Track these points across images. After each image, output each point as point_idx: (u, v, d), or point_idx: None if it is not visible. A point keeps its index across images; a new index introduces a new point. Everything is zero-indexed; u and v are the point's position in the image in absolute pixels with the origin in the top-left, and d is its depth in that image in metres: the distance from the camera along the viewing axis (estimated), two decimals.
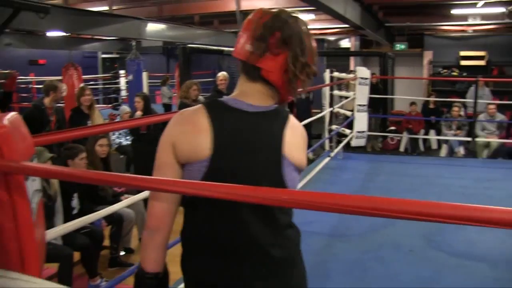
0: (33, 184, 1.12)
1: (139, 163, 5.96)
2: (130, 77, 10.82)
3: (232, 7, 10.63)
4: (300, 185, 5.76)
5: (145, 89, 10.31)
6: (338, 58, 15.19)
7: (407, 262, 3.82)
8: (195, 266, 1.42)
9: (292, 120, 1.42)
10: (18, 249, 1.07)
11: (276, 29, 1.33)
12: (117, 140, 9.27)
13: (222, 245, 1.37)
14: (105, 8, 9.69)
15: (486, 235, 4.34)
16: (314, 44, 1.41)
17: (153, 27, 10.30)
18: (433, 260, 3.83)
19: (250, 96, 1.38)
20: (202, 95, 6.79)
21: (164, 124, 1.52)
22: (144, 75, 11.03)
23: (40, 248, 1.15)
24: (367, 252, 3.96)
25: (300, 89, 1.40)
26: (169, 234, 1.41)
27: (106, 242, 4.29)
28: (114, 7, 9.82)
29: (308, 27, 1.42)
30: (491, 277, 3.57)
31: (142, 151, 5.79)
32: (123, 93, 14.38)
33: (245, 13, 10.92)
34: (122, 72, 14.43)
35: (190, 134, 1.34)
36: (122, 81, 14.52)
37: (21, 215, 1.08)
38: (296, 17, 1.39)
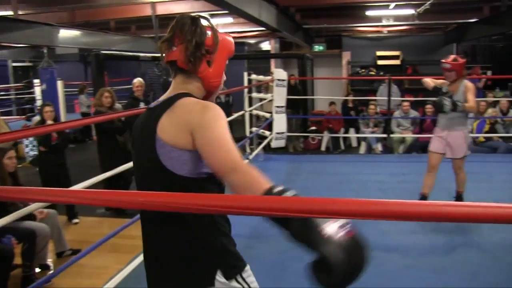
0: None
1: (47, 173, 5.70)
2: (44, 86, 10.35)
3: (148, 11, 10.44)
4: None
5: (61, 99, 9.89)
6: (260, 61, 15.33)
7: None
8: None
9: (177, 103, 1.54)
10: None
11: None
12: (31, 153, 8.86)
13: None
14: (9, 12, 9.18)
15: (397, 226, 4.49)
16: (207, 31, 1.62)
17: (66, 34, 9.90)
18: None
19: (166, 93, 1.66)
20: (119, 103, 6.61)
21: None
22: (59, 83, 10.56)
23: None
24: (285, 252, 3.97)
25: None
26: None
27: (18, 261, 4.06)
28: (20, 12, 9.34)
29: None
30: (402, 264, 3.68)
31: (51, 161, 5.56)
32: (39, 103, 13.75)
33: (162, 17, 10.78)
34: (36, 81, 13.80)
35: None
36: (37, 91, 13.87)
37: None
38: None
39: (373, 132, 9.12)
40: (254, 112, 7.32)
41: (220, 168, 1.42)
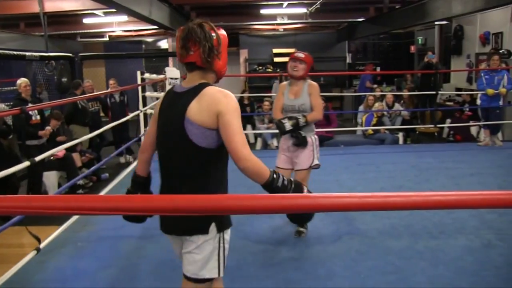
0: None
1: None
2: None
3: (36, 8, 9.95)
4: (109, 189, 5.65)
5: None
6: (159, 60, 15.16)
7: None
8: None
9: (204, 92, 2.05)
10: None
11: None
12: None
13: None
14: None
15: (286, 219, 4.66)
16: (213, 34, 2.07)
17: None
18: (240, 249, 3.98)
19: (186, 82, 2.16)
20: (6, 104, 6.29)
21: None
22: None
23: None
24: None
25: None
26: (151, 156, 2.36)
27: None
28: None
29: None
30: (291, 257, 3.84)
31: None
32: None
33: (50, 15, 10.34)
34: None
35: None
36: None
37: None
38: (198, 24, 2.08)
39: (268, 128, 9.36)
40: (149, 111, 7.24)
41: (236, 153, 1.96)
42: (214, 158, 2.09)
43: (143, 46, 16.00)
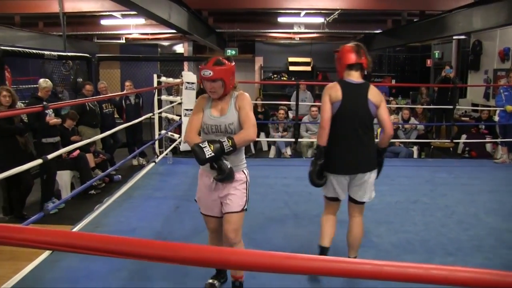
0: None
1: None
2: None
3: (55, 8, 10.03)
4: (122, 191, 5.64)
5: None
6: (173, 64, 15.19)
7: None
8: None
9: (371, 86, 3.37)
10: None
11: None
12: None
13: None
14: None
15: (302, 229, 4.61)
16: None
17: None
18: None
19: (352, 77, 3.35)
20: (22, 102, 6.30)
21: None
22: None
23: None
24: None
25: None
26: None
27: None
28: None
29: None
30: None
31: None
32: None
33: (70, 15, 10.41)
34: None
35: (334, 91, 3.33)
36: None
37: None
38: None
39: (282, 137, 9.32)
40: (164, 115, 7.24)
41: (386, 122, 3.39)
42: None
43: (159, 49, 16.04)
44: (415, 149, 9.17)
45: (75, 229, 4.38)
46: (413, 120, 9.49)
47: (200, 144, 2.88)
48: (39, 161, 3.83)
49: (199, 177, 3.22)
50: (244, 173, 3.15)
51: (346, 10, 10.53)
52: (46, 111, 6.21)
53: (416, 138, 9.29)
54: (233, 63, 3.00)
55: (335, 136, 3.34)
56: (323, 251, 3.66)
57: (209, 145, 2.87)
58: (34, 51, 7.27)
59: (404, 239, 4.42)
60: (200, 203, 3.24)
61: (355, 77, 3.33)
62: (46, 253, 3.72)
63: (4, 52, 6.20)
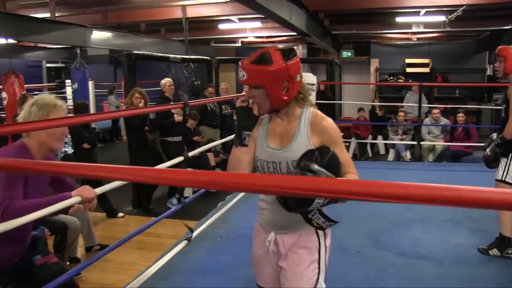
0: None
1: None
2: (75, 86, 10.54)
3: (178, 14, 10.53)
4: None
5: (91, 98, 10.09)
6: None
7: (354, 262, 3.82)
8: None
9: None
10: None
11: None
12: (62, 149, 8.99)
13: None
14: (47, 14, 9.40)
15: (430, 234, 4.42)
16: None
17: (98, 35, 10.06)
18: (380, 260, 3.85)
19: None
20: (150, 104, 6.66)
21: None
22: (90, 84, 10.80)
23: None
24: None
25: None
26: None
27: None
28: (57, 14, 9.55)
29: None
30: (436, 274, 3.61)
31: (87, 159, 5.69)
32: (70, 102, 14.02)
33: (191, 20, 10.86)
34: (68, 81, 14.08)
35: None
36: (68, 91, 14.17)
37: None
38: None
39: (401, 140, 9.02)
40: None
41: None
42: None
43: None
44: None
45: (204, 224, 4.56)
46: None
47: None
48: (181, 158, 4.07)
49: (254, 232, 2.24)
50: (318, 235, 2.07)
51: (472, 6, 9.92)
52: (173, 111, 6.53)
53: None
54: (293, 60, 1.92)
55: None
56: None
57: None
58: (161, 54, 7.68)
59: None
60: (255, 270, 2.27)
61: None
62: (184, 243, 3.91)
63: (137, 56, 6.60)
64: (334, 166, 1.78)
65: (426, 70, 14.60)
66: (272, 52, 1.90)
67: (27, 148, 2.42)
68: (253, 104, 2.00)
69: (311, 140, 1.94)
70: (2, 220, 2.06)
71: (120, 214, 6.09)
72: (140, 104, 5.88)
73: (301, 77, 1.97)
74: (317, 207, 1.75)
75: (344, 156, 1.94)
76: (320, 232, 2.06)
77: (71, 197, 2.39)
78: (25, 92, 8.42)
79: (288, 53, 1.93)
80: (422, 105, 8.41)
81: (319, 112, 2.03)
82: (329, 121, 2.00)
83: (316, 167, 1.72)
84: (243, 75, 1.90)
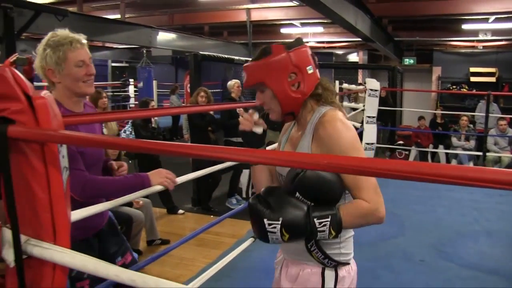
0: (62, 161, 1.12)
1: (145, 168, 5.96)
2: (141, 84, 10.88)
3: (242, 17, 10.70)
4: None
5: (155, 97, 10.36)
6: (346, 71, 15.15)
7: (417, 271, 3.79)
8: None
9: None
10: (51, 221, 1.07)
11: None
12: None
13: None
14: (118, 16, 9.78)
15: (497, 249, 4.31)
16: None
17: (163, 36, 10.36)
18: (445, 271, 3.79)
19: None
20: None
21: None
22: (154, 83, 11.11)
23: (69, 221, 1.15)
24: (377, 260, 3.93)
25: None
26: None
27: None
28: (126, 15, 9.91)
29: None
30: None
31: (149, 156, 5.83)
32: (132, 100, 14.47)
33: (254, 24, 11.00)
34: (131, 80, 14.55)
35: None
36: (131, 89, 14.63)
37: (55, 187, 1.06)
38: None
39: (464, 149, 8.78)
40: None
41: None
42: None
43: (333, 58, 16.18)
44: None
45: None
46: None
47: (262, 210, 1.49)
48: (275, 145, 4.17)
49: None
50: (323, 276, 1.65)
51: None
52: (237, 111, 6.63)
53: None
54: (298, 48, 1.63)
55: None
56: None
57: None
58: (226, 56, 7.83)
59: None
60: None
61: None
62: (250, 241, 3.98)
63: (202, 57, 6.75)
64: (313, 189, 1.43)
65: (492, 79, 14.09)
66: (273, 45, 1.61)
67: (58, 102, 1.97)
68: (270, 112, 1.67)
69: (312, 150, 1.57)
70: (83, 194, 1.96)
71: (180, 211, 6.22)
72: (203, 104, 6.03)
73: (314, 69, 1.63)
74: (315, 238, 1.46)
75: (353, 177, 1.49)
76: (329, 273, 1.61)
77: (149, 179, 2.10)
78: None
79: (293, 44, 1.63)
80: (490, 115, 8.13)
81: (332, 114, 1.58)
82: (334, 127, 1.52)
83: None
84: (244, 77, 1.64)
